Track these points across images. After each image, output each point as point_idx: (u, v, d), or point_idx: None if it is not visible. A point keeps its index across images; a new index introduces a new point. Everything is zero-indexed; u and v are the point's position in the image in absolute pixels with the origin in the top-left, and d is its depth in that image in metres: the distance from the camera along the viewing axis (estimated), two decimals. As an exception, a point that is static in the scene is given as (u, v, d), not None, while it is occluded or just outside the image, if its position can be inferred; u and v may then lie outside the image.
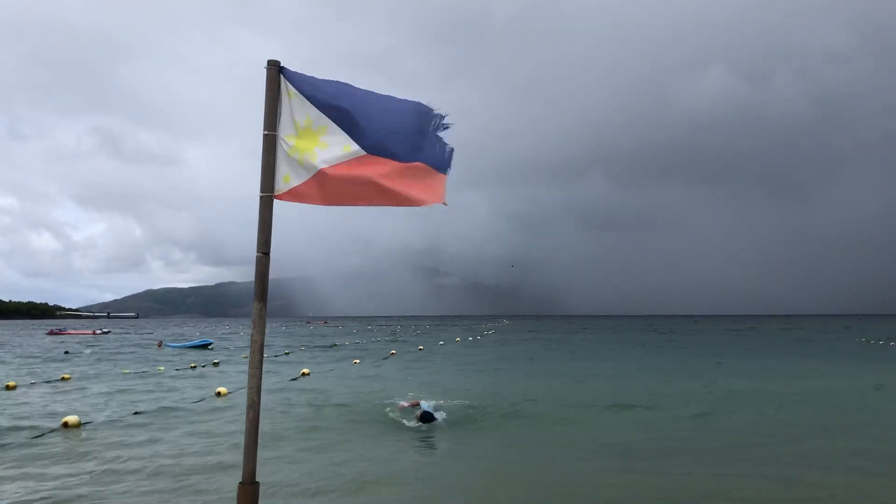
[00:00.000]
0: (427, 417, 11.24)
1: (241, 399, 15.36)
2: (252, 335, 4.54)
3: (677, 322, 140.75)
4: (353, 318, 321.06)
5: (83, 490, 7.86)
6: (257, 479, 4.42)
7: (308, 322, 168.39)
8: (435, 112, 4.68)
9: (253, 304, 4.61)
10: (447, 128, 4.69)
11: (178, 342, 49.72)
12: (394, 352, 35.78)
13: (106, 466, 9.00)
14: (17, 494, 7.69)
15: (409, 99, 4.69)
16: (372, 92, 4.65)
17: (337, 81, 4.62)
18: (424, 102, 4.68)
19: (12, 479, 8.36)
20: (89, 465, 9.07)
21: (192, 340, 50.92)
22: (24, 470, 8.83)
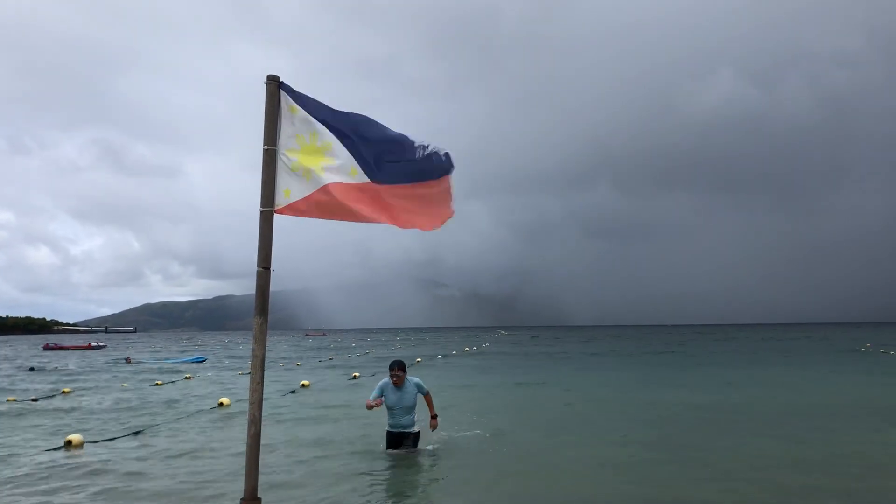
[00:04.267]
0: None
1: (242, 409, 15.30)
2: (253, 350, 4.53)
3: (690, 331, 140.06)
4: (353, 331, 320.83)
5: None
6: (259, 496, 4.41)
7: (307, 334, 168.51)
8: (418, 144, 4.75)
9: (253, 318, 4.59)
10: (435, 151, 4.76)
11: (162, 357, 49.02)
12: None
13: (104, 485, 8.92)
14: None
15: (395, 130, 4.75)
16: (366, 116, 4.70)
17: (331, 107, 4.66)
18: (409, 136, 4.75)
19: (15, 500, 8.29)
20: (86, 484, 9.00)
21: (178, 357, 50.10)
22: (28, 489, 8.76)
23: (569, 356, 44.28)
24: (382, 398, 9.91)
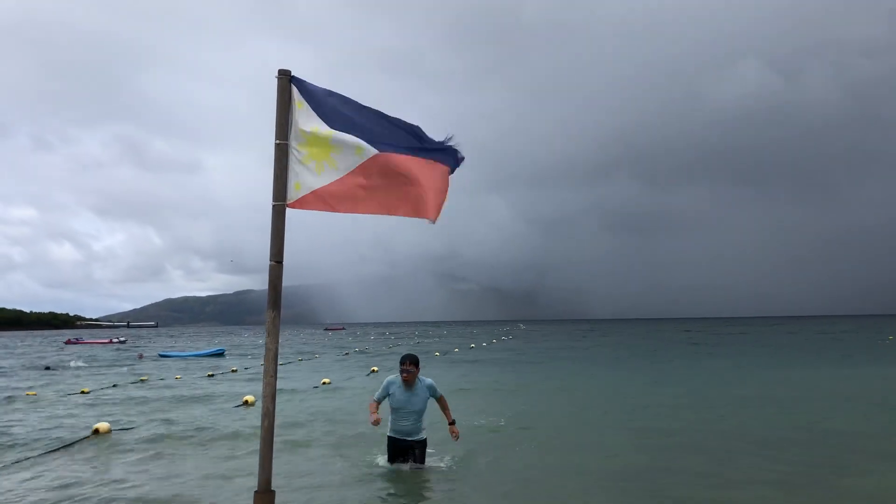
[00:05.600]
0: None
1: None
2: (266, 343, 4.56)
3: (717, 325, 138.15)
4: (372, 324, 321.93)
5: (97, 497, 7.95)
6: (273, 488, 4.45)
7: (327, 329, 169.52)
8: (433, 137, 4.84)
9: (266, 311, 4.62)
10: (450, 140, 4.84)
11: (179, 352, 49.25)
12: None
13: (121, 474, 9.08)
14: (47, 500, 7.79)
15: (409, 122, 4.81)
16: (376, 109, 4.74)
17: (342, 95, 4.70)
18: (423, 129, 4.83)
19: (43, 486, 8.45)
20: (103, 473, 9.15)
21: (197, 350, 50.37)
22: (55, 475, 8.94)
23: (596, 353, 44.09)
24: (378, 402, 8.51)
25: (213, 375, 27.34)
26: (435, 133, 4.85)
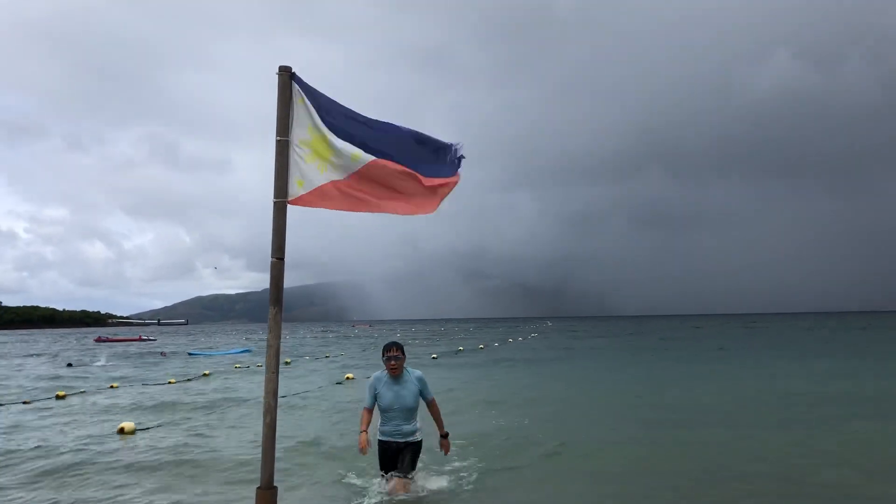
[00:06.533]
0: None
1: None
2: (268, 340, 4.57)
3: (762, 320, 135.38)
4: (399, 321, 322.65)
5: (95, 493, 8.11)
6: (275, 484, 4.46)
7: (354, 325, 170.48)
8: (450, 145, 4.83)
9: (269, 308, 4.63)
10: (461, 156, 4.84)
11: (207, 350, 49.55)
12: (435, 355, 35.80)
13: (139, 471, 9.21)
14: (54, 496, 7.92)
15: (414, 129, 4.83)
16: (377, 120, 4.78)
17: (342, 105, 4.74)
18: (431, 135, 4.83)
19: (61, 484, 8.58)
20: (133, 468, 9.28)
21: (223, 349, 50.56)
22: (86, 474, 9.12)
23: (629, 352, 43.44)
24: (371, 409, 7.26)
25: (238, 367, 27.71)
26: (449, 138, 4.88)
